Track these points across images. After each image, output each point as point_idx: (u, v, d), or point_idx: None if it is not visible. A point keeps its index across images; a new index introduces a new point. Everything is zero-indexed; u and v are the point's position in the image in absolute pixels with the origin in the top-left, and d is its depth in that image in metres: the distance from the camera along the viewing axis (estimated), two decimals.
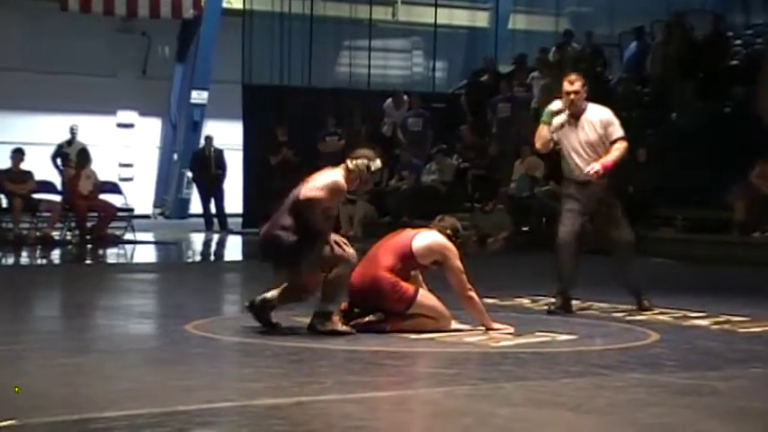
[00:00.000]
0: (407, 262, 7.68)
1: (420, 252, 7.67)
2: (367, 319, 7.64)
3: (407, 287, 7.62)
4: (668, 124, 18.53)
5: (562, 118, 8.99)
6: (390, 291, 7.58)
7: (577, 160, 8.93)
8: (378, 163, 7.75)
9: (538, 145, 9.15)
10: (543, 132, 9.06)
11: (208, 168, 21.49)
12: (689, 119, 18.32)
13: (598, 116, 8.97)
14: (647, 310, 8.97)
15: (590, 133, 8.91)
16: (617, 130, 8.95)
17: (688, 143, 16.62)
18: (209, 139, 21.93)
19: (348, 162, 7.64)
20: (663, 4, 21.24)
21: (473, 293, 7.73)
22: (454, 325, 7.74)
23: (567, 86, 8.98)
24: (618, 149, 8.87)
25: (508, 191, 18.37)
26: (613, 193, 9.04)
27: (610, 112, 9.03)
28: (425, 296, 7.69)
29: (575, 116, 8.97)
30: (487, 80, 21.94)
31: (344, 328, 7.46)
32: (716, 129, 17.49)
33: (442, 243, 7.72)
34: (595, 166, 8.79)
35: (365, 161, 7.64)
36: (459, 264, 7.69)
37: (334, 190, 7.53)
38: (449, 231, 7.80)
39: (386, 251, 7.70)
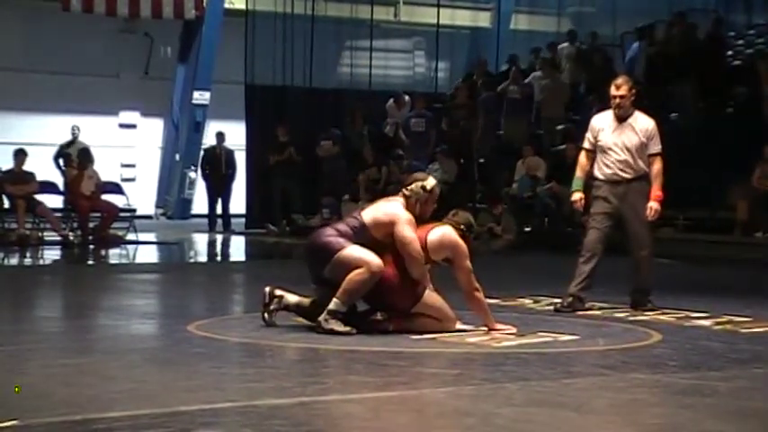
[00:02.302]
0: None
1: (432, 246, 7.66)
2: (372, 317, 7.64)
3: (415, 284, 7.62)
4: (669, 124, 18.52)
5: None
6: (398, 286, 7.57)
7: (614, 160, 9.09)
8: (431, 180, 7.95)
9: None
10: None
11: (218, 167, 21.39)
12: (690, 119, 18.32)
13: (642, 125, 9.15)
14: (647, 311, 9.01)
15: (631, 138, 9.09)
16: (656, 145, 9.15)
17: (688, 143, 16.61)
18: (220, 136, 21.60)
19: (404, 191, 7.84)
20: (665, 5, 21.22)
21: (480, 293, 7.73)
22: (458, 326, 7.75)
23: (613, 91, 9.19)
24: (658, 171, 9.08)
25: (509, 191, 18.40)
26: (646, 201, 9.09)
27: (654, 124, 9.20)
28: (431, 296, 7.68)
29: (619, 119, 9.12)
30: (477, 81, 21.98)
31: (345, 328, 7.45)
32: (717, 129, 17.49)
33: (453, 240, 7.69)
34: (653, 206, 9.01)
35: (418, 183, 7.83)
36: (468, 264, 7.68)
37: (412, 222, 7.66)
38: (462, 227, 7.79)
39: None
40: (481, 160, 20.35)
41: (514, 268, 14.19)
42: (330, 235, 7.65)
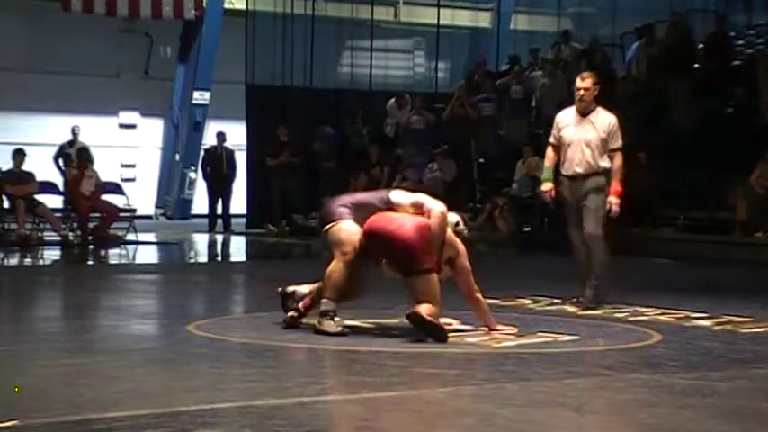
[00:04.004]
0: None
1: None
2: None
3: (437, 259, 7.52)
4: (669, 124, 18.52)
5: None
6: (420, 241, 7.42)
7: (573, 155, 9.19)
8: (459, 225, 7.91)
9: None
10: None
11: (219, 168, 21.35)
12: (689, 119, 18.31)
13: (603, 121, 9.21)
14: (583, 308, 9.00)
15: (591, 134, 9.15)
16: (617, 140, 9.21)
17: (688, 143, 16.60)
18: (221, 136, 21.51)
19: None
20: (665, 5, 21.21)
21: (479, 295, 7.75)
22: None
23: (578, 83, 9.33)
24: (618, 167, 9.14)
25: (509, 191, 18.40)
26: (605, 193, 9.11)
27: (615, 120, 9.27)
28: (435, 279, 7.46)
29: (581, 113, 9.16)
30: (478, 80, 22.00)
31: (336, 329, 7.42)
32: (717, 129, 17.48)
33: (455, 239, 7.73)
34: (612, 200, 9.07)
35: (455, 216, 7.90)
36: (468, 264, 7.70)
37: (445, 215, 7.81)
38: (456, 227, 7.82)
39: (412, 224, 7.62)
40: (481, 160, 20.36)
41: (514, 268, 14.18)
42: (340, 205, 7.73)
